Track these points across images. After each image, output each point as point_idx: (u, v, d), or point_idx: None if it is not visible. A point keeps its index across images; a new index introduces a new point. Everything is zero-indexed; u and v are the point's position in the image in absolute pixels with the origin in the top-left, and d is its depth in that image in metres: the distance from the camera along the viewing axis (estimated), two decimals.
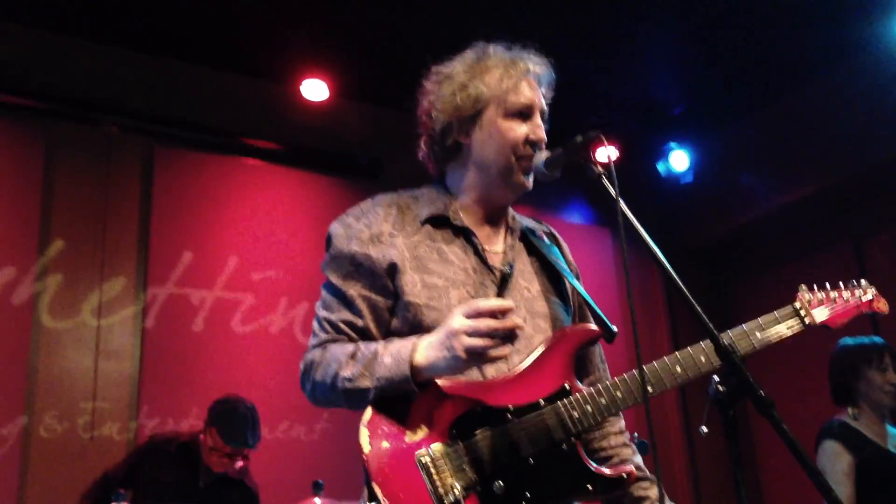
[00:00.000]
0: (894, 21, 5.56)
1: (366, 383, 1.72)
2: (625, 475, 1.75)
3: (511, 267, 1.96)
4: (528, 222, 2.11)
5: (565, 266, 2.02)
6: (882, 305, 2.09)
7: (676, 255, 7.17)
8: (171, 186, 5.66)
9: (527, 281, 1.97)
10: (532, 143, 1.94)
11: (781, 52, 5.85)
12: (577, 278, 2.06)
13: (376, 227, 1.95)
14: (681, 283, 1.60)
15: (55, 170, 5.34)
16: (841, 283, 2.09)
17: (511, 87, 1.96)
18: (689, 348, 1.87)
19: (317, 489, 4.10)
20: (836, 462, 3.74)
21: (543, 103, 2.00)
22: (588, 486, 1.71)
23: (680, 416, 6.88)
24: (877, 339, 3.96)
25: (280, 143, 6.14)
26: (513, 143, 1.95)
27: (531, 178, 1.95)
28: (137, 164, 5.65)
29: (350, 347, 1.82)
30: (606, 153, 1.71)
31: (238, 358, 5.56)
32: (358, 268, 1.91)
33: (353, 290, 1.89)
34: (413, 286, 1.86)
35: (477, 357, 1.60)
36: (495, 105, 1.96)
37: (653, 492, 1.92)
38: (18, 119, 5.31)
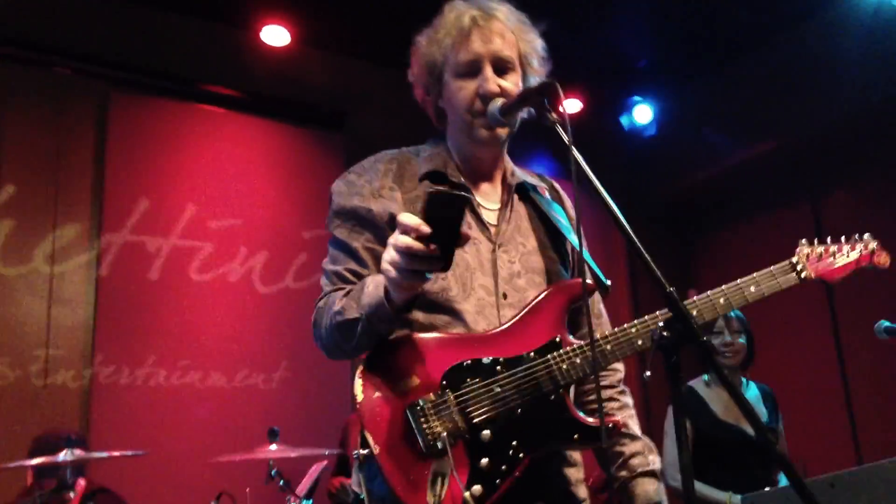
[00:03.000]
0: None
1: (353, 314, 1.74)
2: (610, 425, 1.79)
3: (507, 223, 1.97)
4: (529, 178, 2.10)
5: (565, 222, 2.02)
6: (883, 259, 2.04)
7: (639, 209, 7.27)
8: (126, 132, 5.54)
9: (523, 236, 1.98)
10: (482, 98, 1.91)
11: (746, 8, 5.85)
12: (581, 234, 2.06)
13: (377, 182, 1.96)
14: (630, 230, 1.59)
15: (6, 113, 5.20)
16: (843, 238, 2.05)
17: (456, 45, 1.94)
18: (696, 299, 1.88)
19: (272, 436, 4.12)
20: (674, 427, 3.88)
21: (504, 49, 1.94)
22: (574, 435, 1.75)
23: (635, 362, 6.99)
24: None
25: (240, 90, 6.04)
26: (464, 103, 1.93)
27: (495, 129, 1.93)
28: (92, 108, 5.52)
29: (347, 287, 1.84)
30: (564, 103, 1.69)
31: (195, 307, 5.52)
32: (361, 221, 1.92)
33: (357, 243, 1.91)
34: None
35: (405, 273, 1.61)
36: (448, 67, 1.97)
37: (629, 448, 1.95)
38: None
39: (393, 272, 1.60)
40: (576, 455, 1.93)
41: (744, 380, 4.18)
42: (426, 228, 1.55)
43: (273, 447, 4.10)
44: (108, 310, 5.23)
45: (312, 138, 6.29)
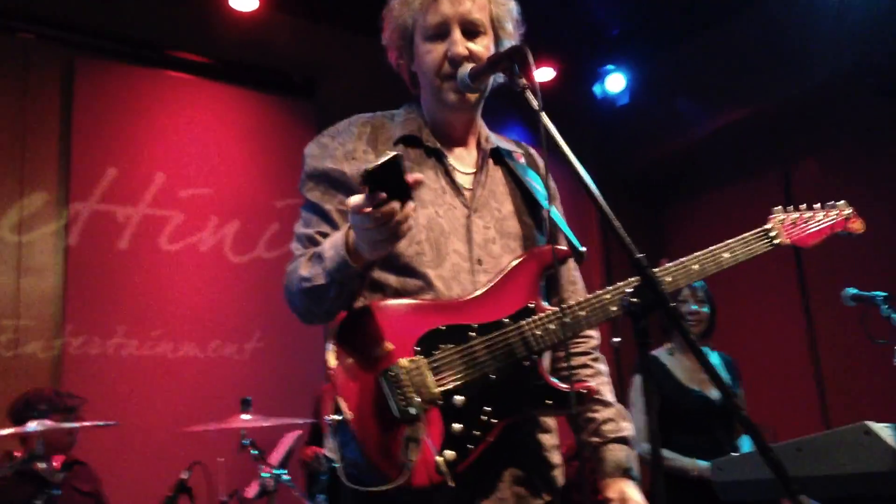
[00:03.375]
0: None
1: (320, 280, 1.72)
2: (583, 391, 1.79)
3: (482, 187, 1.96)
4: (504, 144, 2.08)
5: (540, 188, 2.00)
6: (857, 226, 2.07)
7: (611, 178, 7.29)
8: (93, 99, 5.45)
9: (498, 202, 1.96)
10: (451, 61, 1.89)
11: None
12: (554, 200, 2.06)
13: (350, 145, 1.93)
14: (599, 197, 1.58)
15: None
16: (819, 204, 2.07)
17: (426, 7, 1.91)
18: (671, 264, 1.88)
19: (245, 406, 4.11)
20: (642, 394, 4.02)
21: (474, 12, 1.90)
22: (547, 401, 1.75)
23: (607, 328, 7.03)
24: None
25: (208, 56, 5.95)
26: (432, 66, 1.91)
27: (465, 94, 1.91)
28: (57, 75, 5.42)
29: (311, 251, 1.81)
30: (535, 70, 1.67)
31: (166, 276, 5.48)
32: (334, 184, 1.90)
33: (330, 205, 1.88)
34: None
35: (381, 243, 1.61)
36: (418, 30, 1.94)
37: (602, 414, 1.95)
38: None
39: (371, 235, 1.60)
40: (550, 421, 1.93)
41: (705, 349, 4.24)
42: (377, 198, 1.55)
43: (246, 417, 4.09)
44: (78, 279, 5.17)
45: (283, 106, 6.22)
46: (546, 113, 1.67)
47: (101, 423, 4.11)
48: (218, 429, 4.11)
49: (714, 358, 4.29)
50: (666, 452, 3.91)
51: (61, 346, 5.04)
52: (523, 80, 1.72)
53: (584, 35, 6.68)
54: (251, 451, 4.13)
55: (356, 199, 1.57)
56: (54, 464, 4.05)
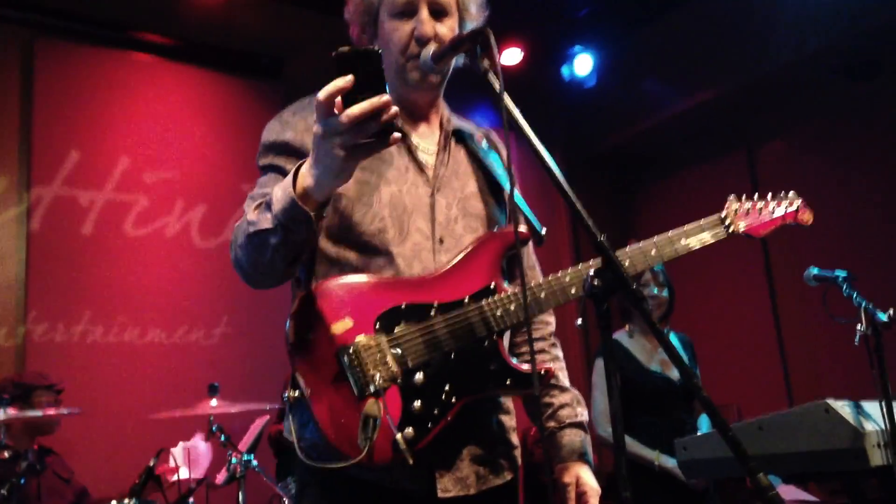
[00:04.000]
0: None
1: (266, 224, 1.65)
2: (543, 371, 1.80)
3: (444, 166, 1.95)
4: (465, 125, 2.07)
5: (501, 170, 2.00)
6: (806, 217, 2.11)
7: (579, 159, 7.32)
8: (54, 81, 5.35)
9: (461, 182, 1.96)
10: (417, 40, 1.88)
11: None
12: (514, 182, 2.05)
13: (311, 119, 1.84)
14: (561, 179, 1.59)
15: None
16: (770, 194, 2.11)
17: None
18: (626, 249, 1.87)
19: (212, 392, 4.09)
20: (603, 377, 4.07)
21: None
22: (507, 381, 1.75)
23: (575, 307, 7.06)
24: None
25: (173, 37, 5.86)
26: (398, 44, 1.89)
27: (428, 75, 1.90)
28: (16, 56, 5.31)
29: (260, 201, 1.74)
30: (501, 51, 1.66)
31: (132, 262, 5.41)
32: (295, 153, 1.85)
33: (289, 166, 1.77)
34: None
35: (357, 149, 1.54)
36: (384, 6, 1.92)
37: (558, 399, 1.97)
38: None
39: (339, 150, 1.52)
40: (508, 403, 1.94)
41: (666, 330, 4.30)
42: (344, 83, 1.47)
43: (214, 403, 4.07)
44: (40, 265, 5.10)
45: (250, 88, 6.15)
46: (514, 94, 1.66)
47: (64, 410, 4.08)
48: (186, 415, 4.09)
49: (672, 339, 4.35)
50: (628, 441, 3.96)
51: (24, 333, 4.97)
52: (486, 63, 1.72)
53: (552, 16, 6.66)
54: (220, 437, 4.11)
55: (325, 90, 1.49)
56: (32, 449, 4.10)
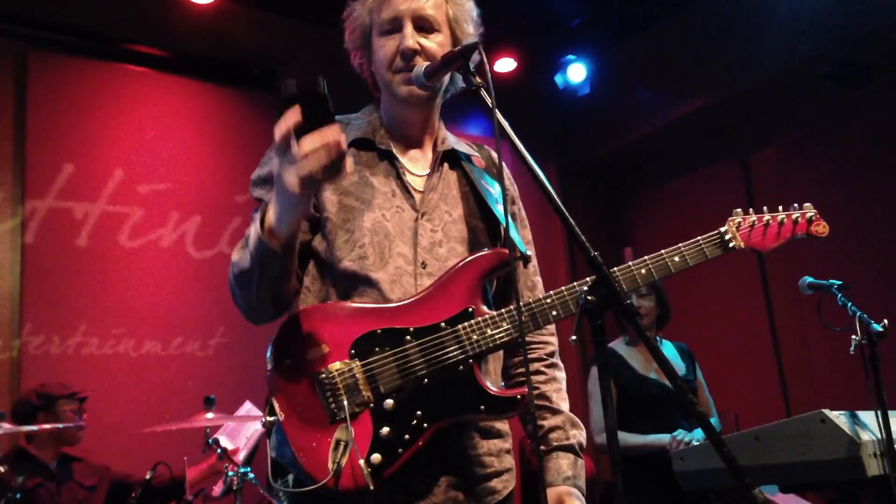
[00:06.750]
0: None
1: (245, 264, 1.72)
2: (519, 396, 1.76)
3: (433, 191, 1.94)
4: (464, 147, 2.07)
5: (495, 192, 1.99)
6: (821, 228, 2.00)
7: (573, 168, 7.32)
8: (47, 94, 5.35)
9: (449, 205, 1.95)
10: (402, 55, 1.89)
11: None
12: (513, 203, 2.06)
13: None
14: (555, 196, 1.59)
15: None
16: (780, 207, 2.05)
17: (381, 4, 1.92)
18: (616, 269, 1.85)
19: (208, 404, 4.08)
20: (598, 385, 4.08)
21: (427, 9, 1.90)
22: (481, 405, 1.73)
23: (571, 329, 7.06)
24: None
25: (166, 49, 5.86)
26: (384, 60, 1.91)
27: (417, 88, 1.90)
28: (9, 69, 5.31)
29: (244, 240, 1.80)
30: (492, 64, 1.67)
31: (127, 274, 5.40)
32: None
33: None
34: (331, 206, 1.86)
35: (311, 183, 1.57)
36: (374, 27, 1.95)
37: (549, 422, 1.95)
38: None
39: (294, 183, 1.55)
40: (500, 425, 1.92)
41: (658, 339, 4.34)
42: (294, 119, 1.54)
43: (210, 415, 4.06)
44: (35, 278, 5.09)
45: (242, 99, 6.15)
46: (507, 103, 1.67)
47: (60, 425, 4.07)
48: (182, 428, 4.08)
49: (668, 348, 4.40)
50: (637, 437, 4.00)
51: (19, 346, 4.95)
52: (477, 79, 1.72)
53: (545, 25, 6.68)
54: (216, 450, 4.10)
55: (278, 128, 1.55)
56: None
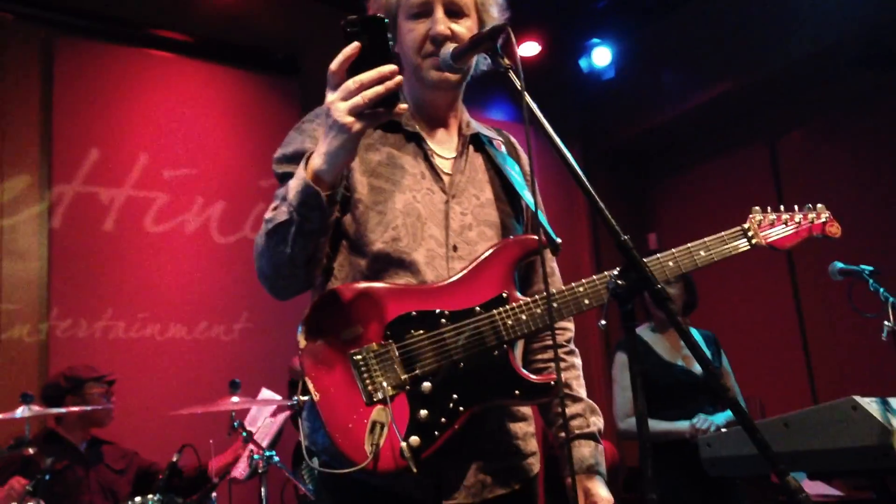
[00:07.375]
0: None
1: (282, 217, 1.67)
2: (552, 382, 1.77)
3: (461, 173, 1.94)
4: (485, 131, 2.07)
5: (519, 178, 1.99)
6: (835, 229, 2.08)
7: (598, 152, 7.27)
8: (73, 79, 5.38)
9: (477, 188, 1.94)
10: (433, 40, 1.87)
11: None
12: (533, 185, 2.04)
13: None
14: (584, 179, 1.57)
15: None
16: (796, 206, 2.09)
17: None
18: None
19: (234, 388, 4.10)
20: (623, 371, 4.22)
21: None
22: (516, 391, 1.73)
23: (597, 313, 7.02)
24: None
25: (190, 34, 5.87)
26: (413, 44, 1.90)
27: (445, 72, 1.89)
28: (36, 55, 5.34)
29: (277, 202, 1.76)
30: (519, 47, 1.65)
31: (152, 258, 5.44)
32: None
33: None
34: (361, 187, 1.85)
35: (365, 117, 1.58)
36: (401, 9, 1.93)
37: (569, 410, 1.95)
38: None
39: (347, 117, 1.57)
40: (524, 410, 1.92)
41: None
42: (352, 50, 1.56)
43: (235, 399, 4.08)
44: (62, 262, 5.14)
45: (267, 84, 6.16)
46: (532, 88, 1.64)
47: (88, 407, 4.12)
48: (207, 411, 4.11)
49: (695, 335, 4.34)
50: (659, 423, 3.99)
51: (47, 329, 5.01)
52: (506, 61, 1.70)
53: (570, 8, 6.63)
54: (241, 433, 4.13)
55: (336, 60, 1.56)
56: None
